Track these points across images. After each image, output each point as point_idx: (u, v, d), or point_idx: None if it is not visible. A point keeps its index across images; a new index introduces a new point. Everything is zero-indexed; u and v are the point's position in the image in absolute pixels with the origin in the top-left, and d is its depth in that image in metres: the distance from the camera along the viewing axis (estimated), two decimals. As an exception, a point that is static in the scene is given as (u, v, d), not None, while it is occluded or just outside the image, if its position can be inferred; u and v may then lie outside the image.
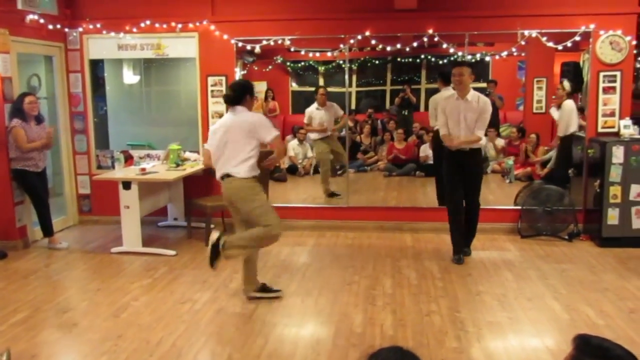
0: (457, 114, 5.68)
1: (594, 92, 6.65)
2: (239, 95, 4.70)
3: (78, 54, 7.42)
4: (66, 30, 7.33)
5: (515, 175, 8.34)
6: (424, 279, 5.38)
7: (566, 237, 6.60)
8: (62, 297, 5.08)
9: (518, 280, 5.32)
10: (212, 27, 7.08)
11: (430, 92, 10.53)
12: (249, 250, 4.74)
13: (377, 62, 10.72)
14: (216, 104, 7.25)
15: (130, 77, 8.18)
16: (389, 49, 7.10)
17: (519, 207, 6.91)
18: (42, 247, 6.63)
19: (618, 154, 6.23)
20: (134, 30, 7.19)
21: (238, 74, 7.37)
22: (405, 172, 9.41)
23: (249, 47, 7.10)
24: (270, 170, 6.11)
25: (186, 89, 7.92)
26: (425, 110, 10.47)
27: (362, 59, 10.50)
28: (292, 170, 9.23)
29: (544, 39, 6.63)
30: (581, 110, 7.51)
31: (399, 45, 6.99)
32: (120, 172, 6.65)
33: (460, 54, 7.16)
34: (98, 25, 7.24)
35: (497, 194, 8.04)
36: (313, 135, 8.42)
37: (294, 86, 10.91)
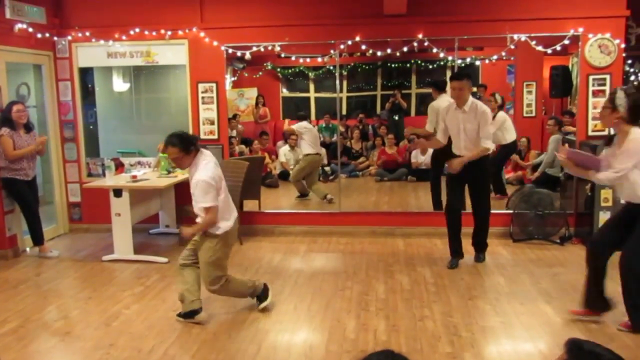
0: (457, 124, 5.66)
1: (584, 96, 6.68)
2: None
3: (67, 62, 7.39)
4: (55, 38, 7.30)
5: (507, 180, 8.35)
6: (417, 284, 5.38)
7: (558, 240, 6.62)
8: (53, 306, 5.03)
9: (510, 284, 5.32)
10: (202, 34, 7.07)
11: (421, 97, 10.60)
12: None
13: (367, 67, 10.75)
14: (207, 111, 7.24)
15: (120, 84, 8.15)
16: (379, 54, 7.13)
17: (511, 211, 6.92)
18: (33, 256, 6.58)
19: (608, 156, 6.24)
20: (123, 38, 7.17)
21: (228, 80, 7.36)
22: (397, 177, 9.43)
23: (239, 53, 7.10)
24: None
25: (176, 96, 7.90)
26: (416, 115, 10.56)
27: (352, 64, 10.53)
28: (284, 176, 9.21)
29: (533, 42, 6.66)
30: (570, 114, 7.56)
31: (389, 50, 7.02)
32: (111, 180, 6.61)
33: (450, 58, 7.20)
34: (87, 34, 7.21)
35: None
36: (306, 149, 8.50)
37: (285, 92, 10.93)
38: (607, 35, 6.53)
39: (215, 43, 7.06)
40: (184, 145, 4.37)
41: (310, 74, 10.62)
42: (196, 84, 7.22)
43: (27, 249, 6.74)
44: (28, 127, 6.42)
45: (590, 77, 6.64)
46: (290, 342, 4.24)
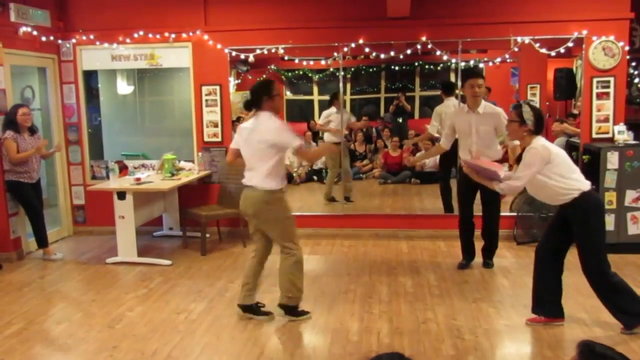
0: (468, 127, 5.58)
1: (588, 98, 6.67)
2: (254, 99, 4.44)
3: (71, 65, 7.41)
4: (59, 41, 7.33)
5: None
6: (420, 286, 5.37)
7: (562, 243, 6.59)
8: (57, 309, 5.05)
9: (514, 287, 5.31)
10: (206, 37, 7.08)
11: (425, 100, 10.58)
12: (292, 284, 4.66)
13: (370, 69, 10.74)
14: (210, 114, 7.25)
15: (124, 87, 8.17)
16: (382, 56, 7.12)
17: (515, 214, 6.91)
18: (37, 258, 6.59)
19: (613, 159, 6.23)
20: (127, 40, 7.19)
21: (232, 83, 7.37)
22: (401, 179, 9.42)
23: (242, 56, 7.11)
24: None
25: (180, 99, 7.92)
26: (420, 117, 10.54)
27: (355, 67, 10.53)
28: (288, 178, 9.17)
29: (537, 45, 6.65)
30: (573, 116, 7.54)
31: (392, 53, 7.01)
32: (114, 183, 6.63)
33: (454, 61, 7.19)
34: (91, 37, 7.24)
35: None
36: (329, 138, 8.50)
37: (288, 95, 10.93)
38: (611, 37, 6.52)
39: (219, 46, 7.07)
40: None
41: (313, 76, 10.61)
42: (200, 86, 7.23)
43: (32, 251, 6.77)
44: (32, 130, 6.44)
45: (594, 80, 6.62)
46: (294, 345, 4.24)
